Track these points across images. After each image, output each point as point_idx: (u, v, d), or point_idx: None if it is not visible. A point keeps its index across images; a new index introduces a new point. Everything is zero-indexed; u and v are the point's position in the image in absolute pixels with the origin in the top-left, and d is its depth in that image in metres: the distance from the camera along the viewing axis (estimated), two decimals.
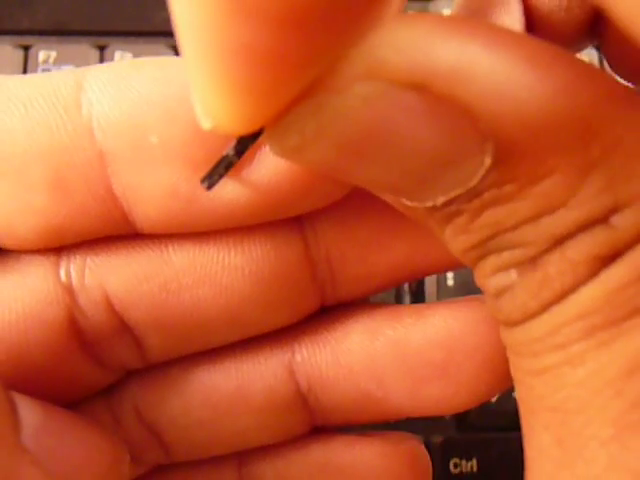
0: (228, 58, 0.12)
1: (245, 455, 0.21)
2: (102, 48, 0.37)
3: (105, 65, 0.17)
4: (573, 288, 0.13)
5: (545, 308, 0.14)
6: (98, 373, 0.19)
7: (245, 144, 0.15)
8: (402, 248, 0.19)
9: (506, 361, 0.17)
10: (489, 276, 0.14)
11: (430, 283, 0.36)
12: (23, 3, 0.38)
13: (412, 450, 0.21)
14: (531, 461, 0.15)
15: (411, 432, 0.33)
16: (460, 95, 0.12)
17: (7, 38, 0.38)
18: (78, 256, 0.18)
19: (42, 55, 0.37)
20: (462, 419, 0.35)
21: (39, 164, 0.16)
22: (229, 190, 0.17)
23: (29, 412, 0.16)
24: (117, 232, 0.18)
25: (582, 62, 0.13)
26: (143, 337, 0.19)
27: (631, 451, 0.13)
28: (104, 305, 0.18)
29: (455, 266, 0.19)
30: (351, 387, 0.19)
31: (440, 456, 0.34)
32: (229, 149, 0.16)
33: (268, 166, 0.16)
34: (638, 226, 0.13)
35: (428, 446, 0.34)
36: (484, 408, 0.34)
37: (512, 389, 0.35)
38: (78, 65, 0.35)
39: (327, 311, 0.20)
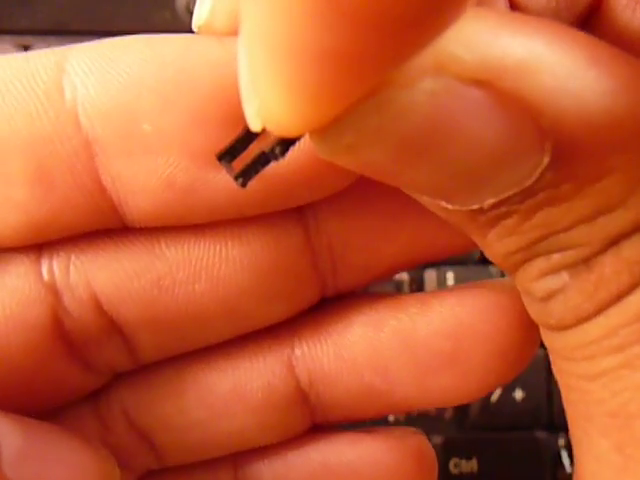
0: (303, 60, 0.11)
1: (241, 456, 0.20)
2: None
3: (89, 44, 0.15)
4: (630, 289, 0.13)
5: (601, 310, 0.13)
6: (85, 376, 0.18)
7: (290, 143, 0.14)
8: (406, 234, 0.18)
9: (516, 349, 0.17)
10: (536, 279, 0.14)
11: (430, 282, 0.36)
12: (23, 3, 0.38)
13: (418, 445, 0.20)
14: (586, 468, 0.14)
15: None
16: (525, 91, 0.12)
17: (7, 38, 0.38)
18: (62, 252, 0.17)
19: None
20: (462, 419, 0.35)
21: (19, 155, 0.15)
22: (229, 179, 0.15)
23: (9, 435, 0.15)
24: (105, 226, 0.16)
25: (637, 60, 0.13)
26: (134, 337, 0.18)
27: None
28: (91, 304, 0.17)
29: (458, 251, 0.18)
30: (355, 381, 0.18)
31: (440, 456, 0.34)
32: (271, 147, 0.14)
33: None
34: None
35: None
36: (484, 408, 0.34)
37: (512, 389, 0.35)
38: None
39: (328, 302, 0.19)
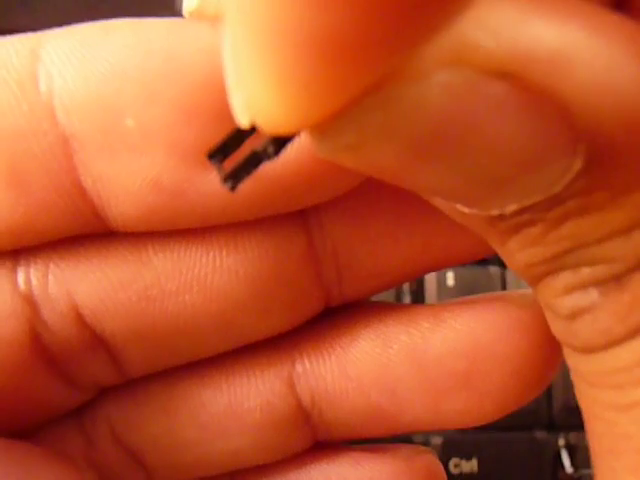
0: (294, 44, 0.09)
1: (238, 474, 0.19)
2: None
3: (67, 28, 0.14)
4: None
5: (634, 334, 0.12)
6: (68, 392, 0.17)
7: (285, 141, 0.12)
8: (417, 241, 0.16)
9: (536, 368, 0.16)
10: (561, 295, 0.13)
11: (430, 283, 0.36)
12: (23, 3, 0.38)
13: (427, 466, 0.18)
14: None
15: (412, 432, 0.33)
16: (557, 86, 0.11)
17: (7, 38, 0.38)
18: (39, 260, 0.15)
19: None
20: None
21: None
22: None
23: None
24: (87, 231, 0.15)
25: None
26: (120, 352, 0.16)
27: None
28: (72, 317, 0.15)
29: (470, 258, 0.17)
30: (360, 401, 0.17)
31: (440, 456, 0.34)
32: (263, 145, 0.12)
33: None
34: None
35: (428, 446, 0.34)
36: None
37: None
38: None
39: (331, 313, 0.18)
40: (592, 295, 0.12)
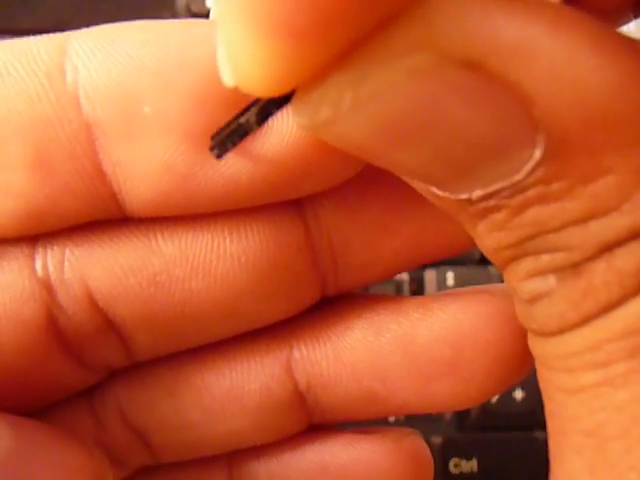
0: (270, 18, 0.10)
1: (236, 454, 0.20)
2: None
3: (90, 29, 0.15)
4: (619, 301, 0.12)
5: (586, 321, 0.12)
6: (80, 374, 0.18)
7: (268, 111, 0.14)
8: (410, 232, 0.17)
9: (518, 355, 0.16)
10: (523, 280, 0.13)
11: (430, 282, 0.36)
12: (23, 3, 0.38)
13: (414, 446, 0.20)
14: None
15: None
16: (517, 77, 0.11)
17: (7, 38, 0.38)
18: (56, 247, 0.16)
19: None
20: (462, 419, 0.35)
21: (18, 139, 0.15)
22: (230, 165, 0.15)
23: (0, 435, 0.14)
24: (104, 216, 0.16)
25: None
26: (129, 335, 0.17)
27: None
28: (86, 301, 0.16)
29: (461, 250, 0.18)
30: (354, 386, 0.18)
31: (440, 456, 0.34)
32: (248, 115, 0.14)
33: (272, 141, 0.15)
34: None
35: (428, 446, 0.34)
36: (484, 408, 0.34)
37: (512, 389, 0.35)
38: None
39: (328, 303, 0.19)
40: (550, 281, 0.13)
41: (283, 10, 0.10)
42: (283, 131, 0.15)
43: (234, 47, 0.11)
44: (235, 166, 0.15)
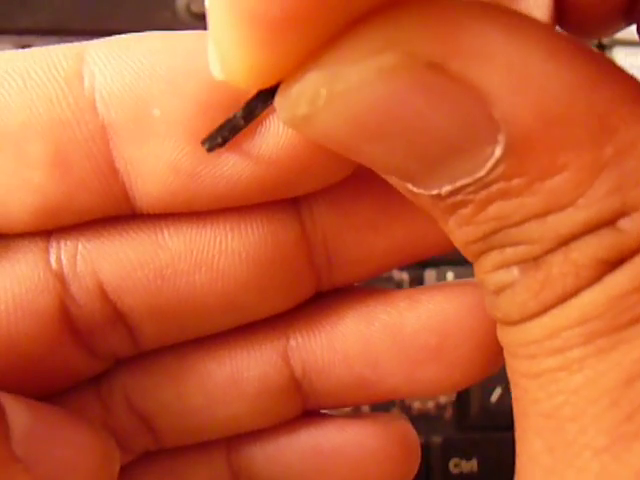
0: (248, 18, 0.12)
1: (234, 440, 0.21)
2: None
3: (106, 38, 0.17)
4: (575, 291, 0.13)
5: (545, 310, 0.13)
6: (89, 362, 0.19)
7: (253, 107, 0.15)
8: (399, 231, 0.18)
9: (498, 344, 0.17)
10: (490, 272, 0.14)
11: (430, 282, 0.36)
12: (23, 3, 0.38)
13: (402, 430, 0.21)
14: (521, 466, 0.15)
15: None
16: (477, 77, 0.12)
17: (7, 38, 0.38)
18: (69, 242, 0.17)
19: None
20: (462, 419, 0.35)
21: (38, 139, 0.16)
22: (230, 165, 0.16)
23: (17, 416, 0.15)
24: (116, 211, 0.17)
25: (606, 59, 0.13)
26: (137, 325, 0.18)
27: (623, 463, 0.13)
28: (97, 293, 0.17)
29: (451, 249, 0.18)
30: (346, 372, 0.19)
31: (440, 456, 0.34)
32: (235, 114, 0.15)
33: (271, 141, 0.16)
34: None
35: (428, 446, 0.34)
36: (484, 408, 0.34)
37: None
38: None
39: (322, 297, 0.20)
40: (513, 273, 0.14)
41: (261, 3, 0.12)
42: (280, 132, 0.16)
43: (221, 41, 0.13)
44: (236, 166, 0.16)
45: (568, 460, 0.13)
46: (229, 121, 0.15)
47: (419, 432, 0.34)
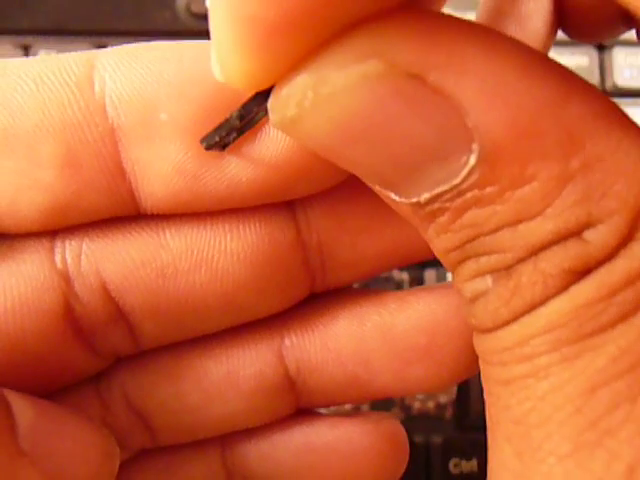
0: (239, 13, 0.13)
1: (229, 438, 0.22)
2: (102, 48, 0.37)
3: (115, 47, 0.17)
4: (543, 300, 0.13)
5: (515, 318, 0.14)
6: (90, 359, 0.20)
7: (249, 109, 0.16)
8: (389, 235, 0.19)
9: None
10: (466, 281, 0.15)
11: (430, 282, 0.36)
12: (23, 3, 0.38)
13: (391, 428, 0.22)
14: (491, 471, 0.15)
15: (411, 432, 0.33)
16: (453, 90, 0.13)
17: (7, 38, 0.38)
18: (74, 242, 0.18)
19: (42, 55, 0.37)
20: (462, 419, 0.35)
21: (50, 140, 0.17)
22: (233, 168, 0.17)
23: (23, 411, 0.16)
24: (122, 211, 0.18)
25: (576, 77, 0.13)
26: (138, 323, 0.19)
27: (586, 470, 0.13)
28: (100, 291, 0.18)
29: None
30: (339, 370, 0.20)
31: (440, 456, 0.34)
32: (231, 115, 0.16)
33: (271, 147, 0.17)
34: (609, 243, 0.13)
35: (428, 446, 0.34)
36: (484, 408, 0.34)
37: None
38: None
39: (316, 298, 0.21)
40: (487, 281, 0.14)
41: (257, 9, 0.12)
42: (280, 138, 0.17)
43: (220, 45, 0.14)
44: (237, 168, 0.17)
45: (534, 466, 0.14)
46: (226, 121, 0.16)
47: (419, 432, 0.34)
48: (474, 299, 0.15)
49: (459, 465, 0.34)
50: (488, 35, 0.13)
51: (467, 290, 0.15)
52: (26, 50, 0.37)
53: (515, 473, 0.14)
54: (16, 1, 0.38)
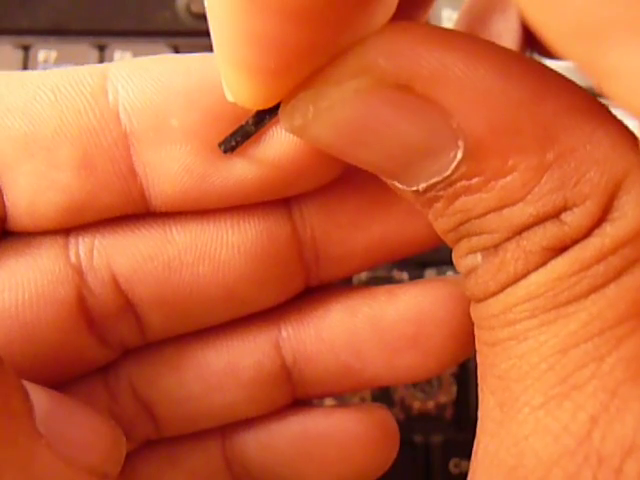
0: (243, 44, 0.14)
1: (228, 428, 0.23)
2: (102, 48, 0.37)
3: (127, 60, 0.19)
4: (524, 274, 0.15)
5: (501, 289, 0.16)
6: (100, 351, 0.21)
7: (262, 117, 0.18)
8: (377, 230, 0.21)
9: (468, 333, 0.19)
10: (462, 257, 0.17)
11: None
12: (23, 3, 0.38)
13: (382, 417, 0.23)
14: (479, 421, 0.17)
15: (412, 432, 0.33)
16: (438, 96, 0.15)
17: (7, 38, 0.38)
18: (86, 238, 0.20)
19: (42, 55, 0.37)
20: (462, 419, 0.35)
21: (67, 145, 0.18)
22: (238, 167, 0.19)
23: (39, 399, 0.17)
24: (133, 210, 0.19)
25: (553, 74, 0.15)
26: (145, 315, 0.20)
27: (554, 418, 0.15)
28: (111, 284, 0.20)
29: (426, 247, 0.21)
30: (332, 360, 0.22)
31: (440, 456, 0.34)
32: (246, 121, 0.18)
33: (273, 148, 0.18)
34: (584, 224, 0.15)
35: (428, 446, 0.34)
36: None
37: None
38: (78, 65, 0.35)
39: (310, 292, 0.22)
40: (478, 258, 0.16)
41: (253, 57, 0.15)
42: (282, 141, 0.18)
43: (227, 78, 0.16)
44: (242, 168, 0.19)
45: (513, 414, 0.16)
46: (242, 127, 0.18)
47: (419, 432, 0.34)
48: (468, 273, 0.17)
49: (459, 465, 0.34)
50: (467, 42, 0.15)
51: (462, 265, 0.17)
52: (26, 50, 0.37)
53: (497, 421, 0.16)
54: (16, 1, 0.38)
